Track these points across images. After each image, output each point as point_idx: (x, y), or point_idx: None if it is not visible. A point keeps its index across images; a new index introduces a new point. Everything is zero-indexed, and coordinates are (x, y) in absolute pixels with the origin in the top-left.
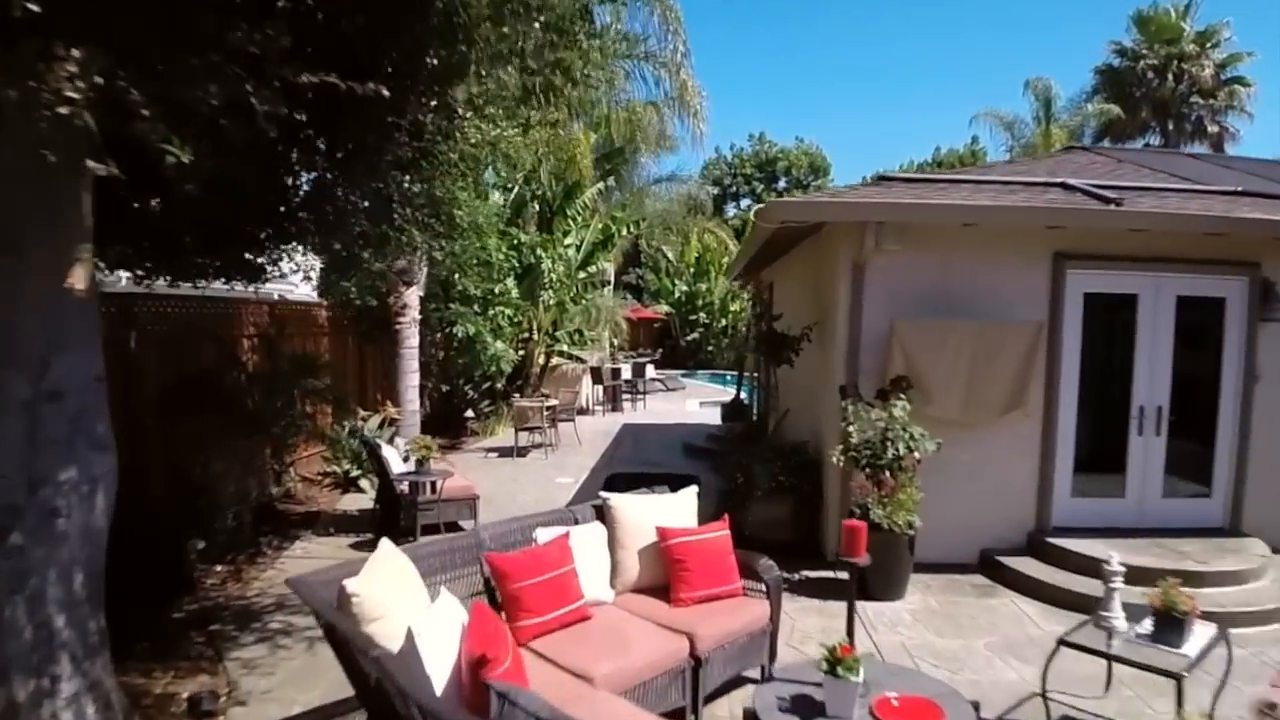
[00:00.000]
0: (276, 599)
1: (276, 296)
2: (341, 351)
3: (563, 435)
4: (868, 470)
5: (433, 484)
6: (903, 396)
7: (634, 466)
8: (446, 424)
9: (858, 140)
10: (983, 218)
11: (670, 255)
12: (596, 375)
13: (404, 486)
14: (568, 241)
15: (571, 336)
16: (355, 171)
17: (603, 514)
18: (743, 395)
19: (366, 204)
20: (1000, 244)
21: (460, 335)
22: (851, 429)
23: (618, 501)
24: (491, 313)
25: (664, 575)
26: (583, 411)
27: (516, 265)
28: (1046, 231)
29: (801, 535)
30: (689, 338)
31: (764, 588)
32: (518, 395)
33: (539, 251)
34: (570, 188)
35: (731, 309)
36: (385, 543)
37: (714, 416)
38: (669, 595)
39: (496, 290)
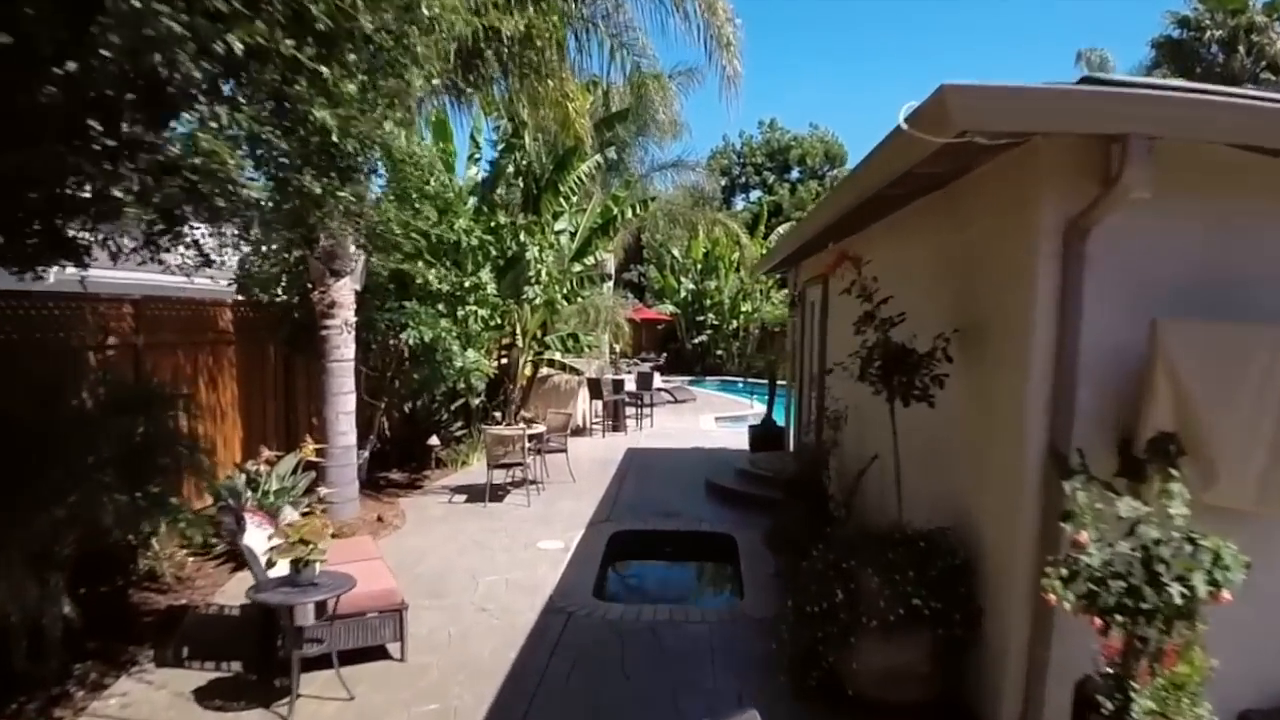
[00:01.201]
0: None
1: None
2: (257, 366)
3: (553, 468)
4: (1121, 621)
5: (320, 604)
6: (1174, 473)
7: (645, 518)
8: (408, 454)
9: (880, 126)
10: None
11: (676, 251)
12: (595, 388)
13: (285, 600)
14: (559, 226)
15: (564, 342)
16: None
17: None
18: (775, 416)
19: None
20: None
21: (413, 342)
22: (1090, 544)
23: None
24: (462, 313)
25: None
26: (579, 432)
27: (494, 254)
28: None
29: (943, 693)
30: (696, 340)
31: None
32: (498, 415)
33: (523, 237)
34: (563, 158)
35: (743, 309)
36: None
37: (736, 438)
38: None
39: (467, 284)
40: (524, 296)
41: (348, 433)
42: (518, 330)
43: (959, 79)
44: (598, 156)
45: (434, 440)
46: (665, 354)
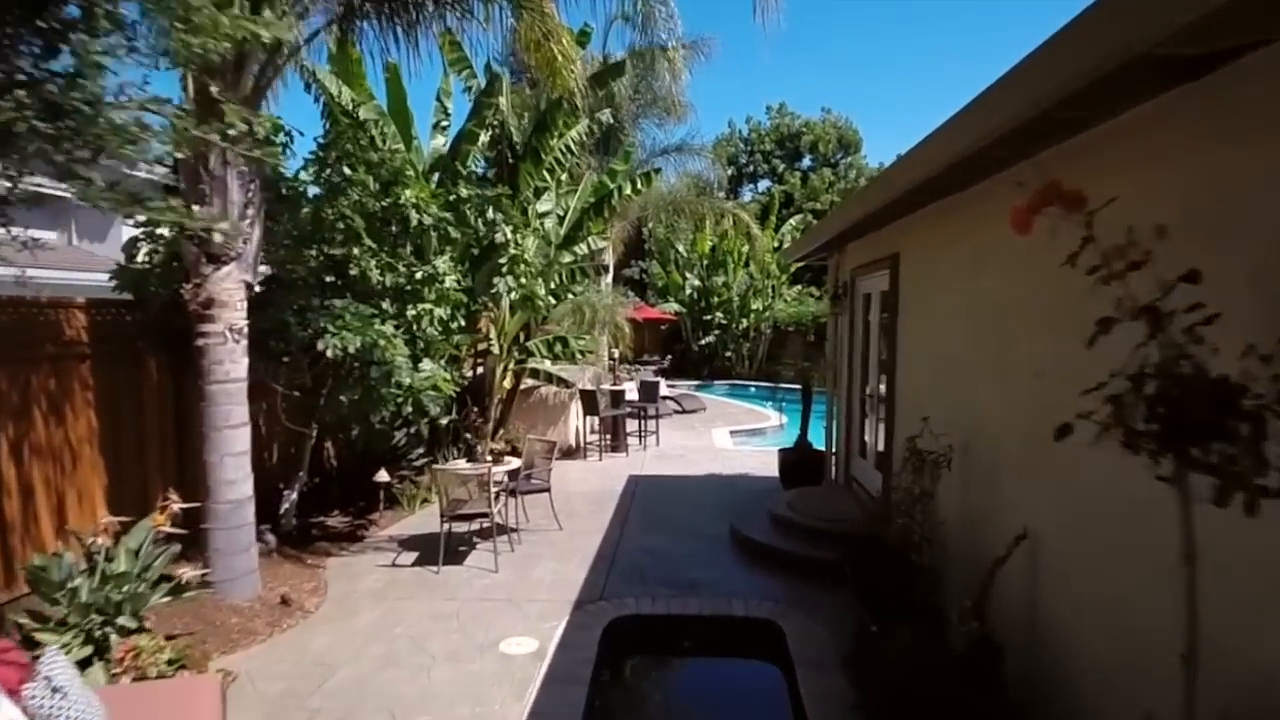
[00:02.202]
0: None
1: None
2: (129, 388)
3: (534, 508)
4: None
5: None
6: None
7: (652, 590)
8: (357, 490)
9: (892, 111)
10: None
11: (680, 245)
12: (589, 402)
13: None
14: (544, 208)
15: (551, 347)
16: None
17: None
18: (809, 436)
19: None
20: None
21: (333, 354)
22: None
23: None
24: (413, 312)
25: None
26: (571, 453)
27: (455, 236)
28: None
29: None
30: (703, 341)
31: None
32: (470, 436)
33: (491, 214)
34: (544, 114)
35: (753, 307)
36: None
37: (758, 460)
38: None
39: (419, 276)
40: (493, 290)
41: (238, 481)
42: (497, 333)
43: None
44: (589, 121)
45: (383, 475)
46: (670, 356)
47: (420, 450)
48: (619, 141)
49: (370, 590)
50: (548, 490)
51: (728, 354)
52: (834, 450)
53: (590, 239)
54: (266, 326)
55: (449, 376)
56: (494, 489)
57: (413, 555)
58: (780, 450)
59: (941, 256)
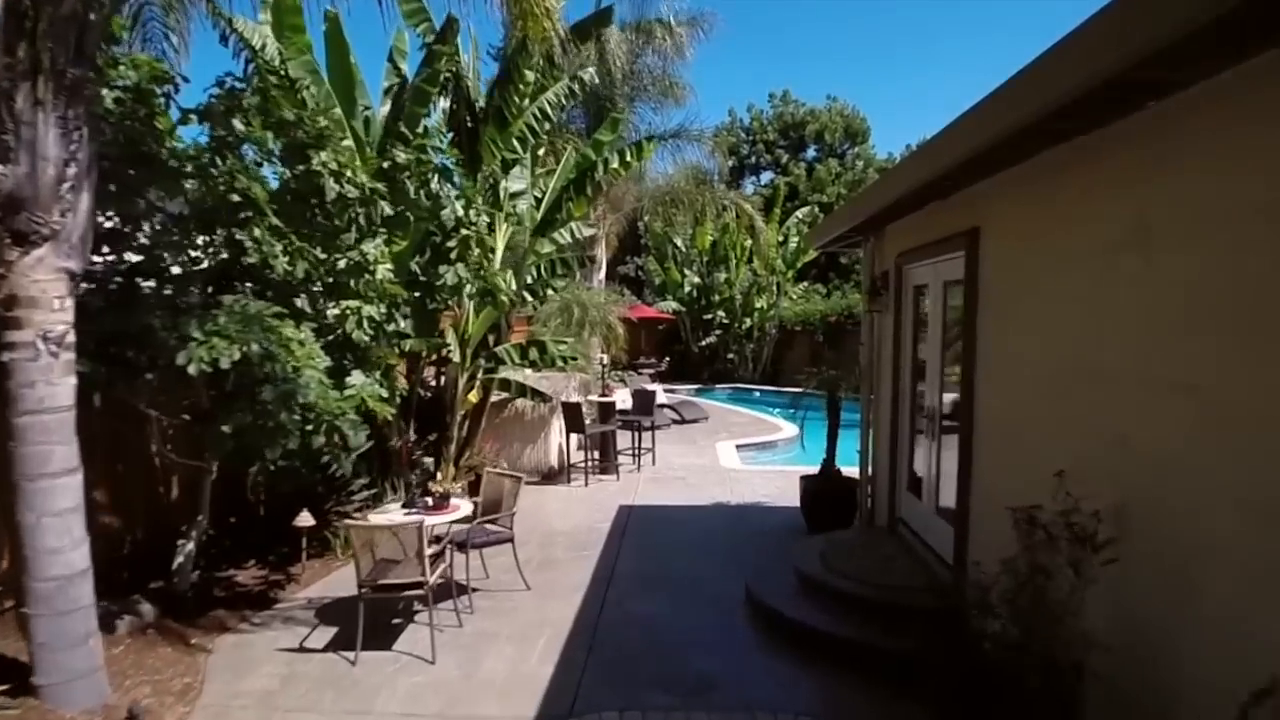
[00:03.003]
0: None
1: None
2: None
3: (495, 560)
4: None
5: None
6: None
7: (645, 684)
8: (280, 537)
9: (900, 99)
10: None
11: (679, 240)
12: (573, 416)
13: None
14: (516, 187)
15: (525, 353)
16: None
17: None
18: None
19: None
20: None
21: (195, 370)
22: None
23: None
24: (337, 311)
25: None
26: (553, 477)
27: (389, 213)
28: None
29: None
30: (703, 342)
31: None
32: (425, 461)
33: (436, 184)
34: (509, 64)
35: (757, 305)
36: None
37: (771, 483)
38: None
39: (340, 263)
40: (439, 281)
41: (64, 550)
42: (450, 337)
43: None
44: (570, 83)
45: (305, 518)
46: (668, 359)
47: (365, 480)
48: (610, 82)
49: (258, 694)
50: (510, 540)
51: (730, 356)
52: (868, 476)
53: (574, 226)
54: (121, 332)
55: (386, 393)
56: (434, 548)
57: (330, 631)
58: (803, 478)
59: (1060, 227)
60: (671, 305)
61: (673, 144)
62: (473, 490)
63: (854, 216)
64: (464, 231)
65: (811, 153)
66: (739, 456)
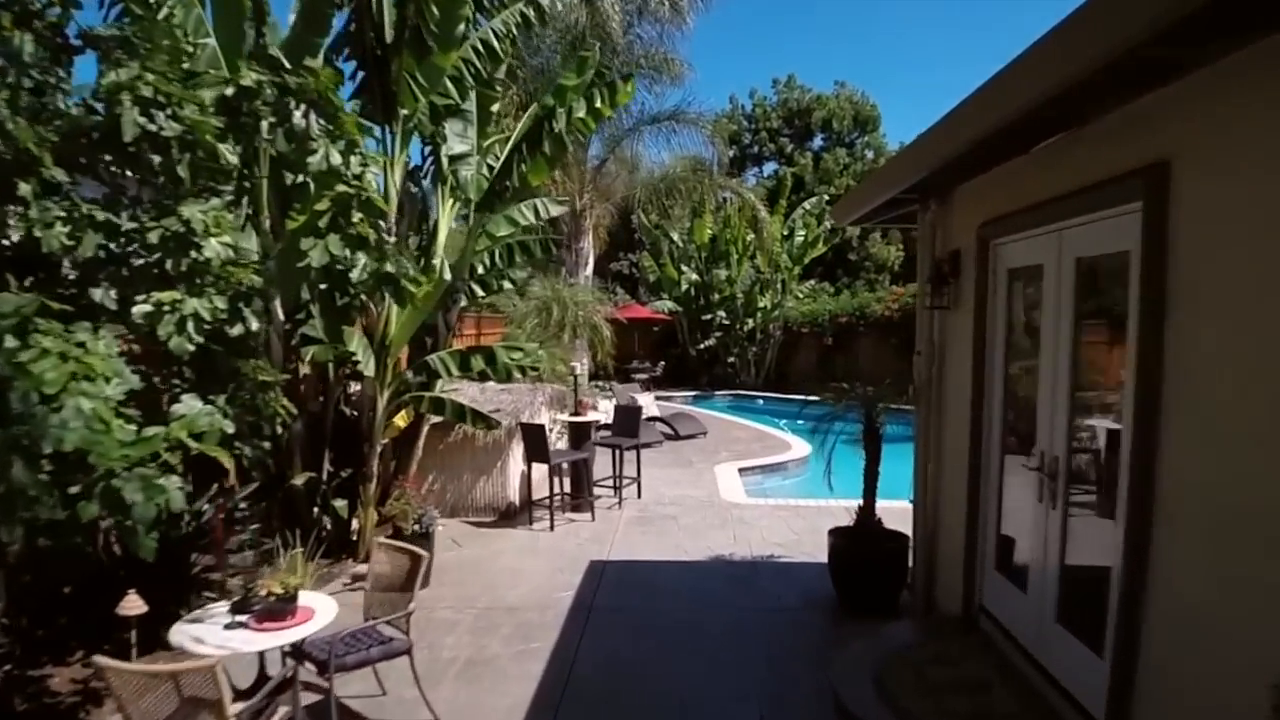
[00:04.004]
0: None
1: None
2: None
3: (392, 672)
4: None
5: None
6: None
7: None
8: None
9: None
10: None
11: (675, 234)
12: (535, 442)
13: None
14: (457, 148)
15: (467, 363)
16: None
17: None
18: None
19: None
20: None
21: None
22: None
23: None
24: (149, 308)
25: None
26: (512, 516)
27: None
28: None
29: None
30: (703, 345)
31: None
32: (342, 503)
33: (300, 115)
34: None
35: (760, 304)
36: None
37: (785, 526)
38: None
39: (152, 239)
40: (302, 263)
41: None
42: (354, 342)
43: None
44: (524, 5)
45: (132, 604)
46: (663, 363)
47: (257, 527)
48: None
49: None
50: (407, 652)
51: (731, 360)
52: (926, 533)
53: (540, 204)
54: None
55: (231, 425)
56: (276, 676)
57: None
58: (834, 533)
59: None
60: (667, 305)
61: (668, 126)
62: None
63: (915, 168)
64: (340, 188)
65: (818, 142)
66: (743, 483)
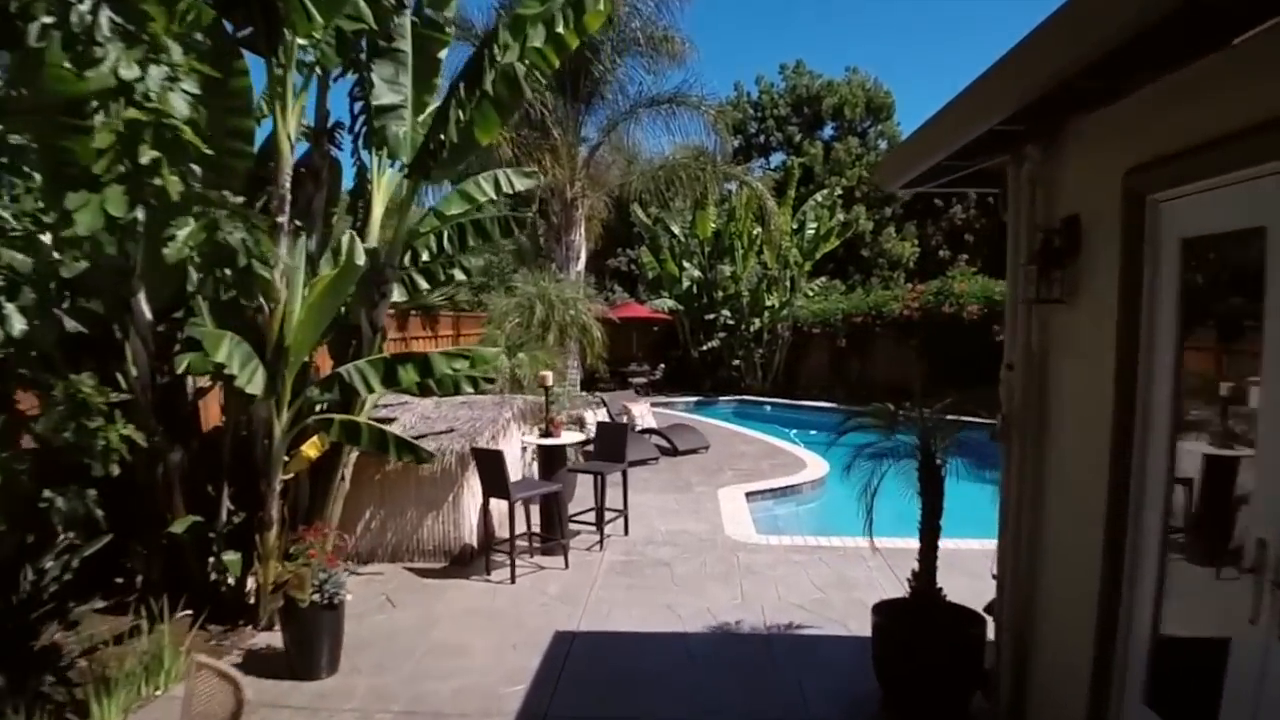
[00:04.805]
0: None
1: None
2: None
3: None
4: None
5: None
6: None
7: None
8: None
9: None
10: None
11: (676, 228)
12: (491, 472)
13: None
14: (388, 98)
15: (391, 375)
16: None
17: None
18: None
19: None
20: None
21: None
22: None
23: None
24: None
25: None
26: (467, 561)
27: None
28: None
29: None
30: (706, 346)
31: None
32: (237, 560)
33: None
34: None
35: (767, 303)
36: None
37: (802, 573)
38: None
39: None
40: (68, 228)
41: None
42: (223, 352)
43: None
44: None
45: None
46: (663, 366)
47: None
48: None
49: None
50: None
51: (736, 363)
52: (1013, 616)
53: (502, 175)
54: None
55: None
56: None
57: None
58: (879, 609)
59: None
60: (668, 304)
61: (668, 110)
62: (285, 619)
63: (1018, 88)
64: (130, 112)
65: (829, 130)
66: (751, 512)
